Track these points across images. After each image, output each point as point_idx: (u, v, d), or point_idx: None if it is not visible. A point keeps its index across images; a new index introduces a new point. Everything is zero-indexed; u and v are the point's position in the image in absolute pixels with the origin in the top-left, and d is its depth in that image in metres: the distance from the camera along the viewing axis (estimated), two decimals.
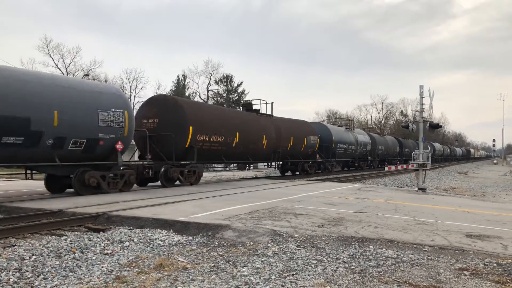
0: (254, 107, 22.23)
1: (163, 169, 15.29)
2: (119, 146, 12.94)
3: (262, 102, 22.64)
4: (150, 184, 16.30)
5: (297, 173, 25.97)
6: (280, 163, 25.14)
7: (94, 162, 12.54)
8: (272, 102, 22.87)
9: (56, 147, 11.34)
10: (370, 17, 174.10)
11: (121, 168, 13.47)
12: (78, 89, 12.17)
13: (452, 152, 76.94)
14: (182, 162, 16.03)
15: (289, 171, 26.71)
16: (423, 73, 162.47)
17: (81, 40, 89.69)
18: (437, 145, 64.77)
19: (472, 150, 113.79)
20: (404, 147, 42.17)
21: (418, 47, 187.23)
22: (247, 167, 28.48)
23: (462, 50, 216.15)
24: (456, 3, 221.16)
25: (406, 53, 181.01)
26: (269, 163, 24.33)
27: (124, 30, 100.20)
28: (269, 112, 22.77)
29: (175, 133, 15.47)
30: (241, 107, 22.50)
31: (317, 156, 26.80)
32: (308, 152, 25.76)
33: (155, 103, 16.38)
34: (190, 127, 15.99)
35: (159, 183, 15.80)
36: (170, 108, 15.94)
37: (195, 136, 16.24)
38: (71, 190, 12.80)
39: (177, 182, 16.27)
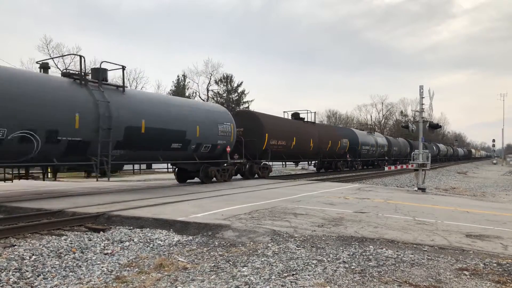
0: (302, 116, 27.81)
1: (248, 165, 21.35)
2: (228, 149, 18.14)
3: (308, 112, 27.92)
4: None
5: (330, 170, 31.72)
6: (317, 161, 30.36)
7: (215, 160, 17.95)
8: (315, 112, 28.45)
9: (195, 150, 16.47)
10: (370, 17, 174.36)
11: (225, 164, 18.74)
12: (207, 110, 17.77)
13: (455, 153, 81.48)
14: (261, 161, 22.25)
15: (323, 169, 32.07)
16: (423, 73, 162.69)
17: (81, 40, 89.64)
18: (442, 146, 70.21)
19: (473, 151, 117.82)
20: (414, 148, 49.02)
21: (418, 47, 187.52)
22: (297, 165, 34.30)
23: (462, 50, 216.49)
24: (456, 3, 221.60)
25: (406, 53, 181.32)
26: (314, 162, 30.61)
27: (124, 30, 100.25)
28: (310, 119, 28.02)
29: (257, 138, 21.09)
30: (290, 116, 27.55)
31: (347, 156, 32.19)
32: (341, 152, 31.36)
33: (240, 115, 21.84)
34: (266, 134, 21.63)
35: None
36: (252, 120, 21.70)
37: (269, 141, 21.91)
38: (191, 180, 18.54)
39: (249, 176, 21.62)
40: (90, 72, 13.80)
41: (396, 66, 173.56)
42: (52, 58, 39.07)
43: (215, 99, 58.33)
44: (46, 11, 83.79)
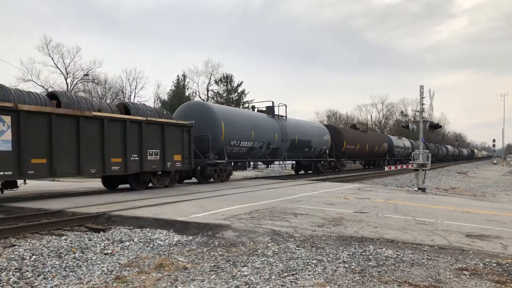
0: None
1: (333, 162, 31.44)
2: (327, 151, 28.74)
3: (364, 122, 35.65)
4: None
5: (372, 166, 40.56)
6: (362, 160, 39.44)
7: (321, 158, 28.45)
8: (367, 123, 34.28)
9: (313, 152, 27.20)
10: (370, 17, 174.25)
11: (322, 162, 29.13)
12: (317, 127, 29.05)
13: (460, 153, 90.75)
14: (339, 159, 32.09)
15: (367, 165, 40.83)
16: (423, 73, 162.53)
17: (81, 40, 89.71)
18: (450, 147, 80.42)
19: (476, 151, 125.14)
20: (430, 149, 55.57)
21: (418, 47, 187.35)
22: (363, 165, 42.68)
23: (462, 50, 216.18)
24: (456, 3, 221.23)
25: (406, 53, 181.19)
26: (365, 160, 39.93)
27: (124, 30, 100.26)
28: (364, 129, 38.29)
29: (337, 144, 30.71)
30: (350, 127, 37.81)
31: (386, 156, 42.36)
32: (382, 153, 41.17)
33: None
34: (345, 142, 31.90)
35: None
36: (334, 130, 31.47)
37: (346, 145, 32.21)
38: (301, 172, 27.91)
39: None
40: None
41: (396, 66, 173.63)
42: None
43: (215, 99, 58.33)
44: (46, 11, 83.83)
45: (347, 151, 31.92)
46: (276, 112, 23.75)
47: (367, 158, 38.89)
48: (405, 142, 49.42)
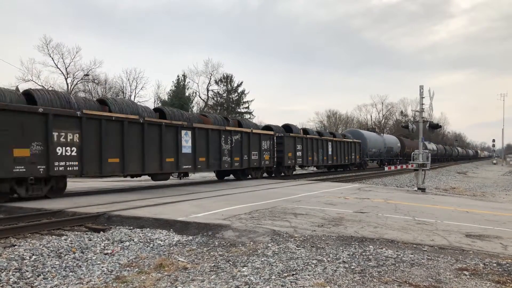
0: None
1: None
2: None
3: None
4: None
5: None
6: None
7: (392, 158, 43.82)
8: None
9: (377, 155, 40.67)
10: (368, 16, 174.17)
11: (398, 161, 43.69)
12: (388, 138, 43.89)
13: (467, 153, 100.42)
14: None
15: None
16: (422, 73, 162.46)
17: (81, 40, 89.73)
18: (460, 149, 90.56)
19: (479, 151, 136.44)
20: (446, 151, 63.00)
21: (417, 47, 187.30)
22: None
23: (461, 50, 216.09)
24: (454, 3, 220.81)
25: (405, 52, 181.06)
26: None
27: (124, 30, 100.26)
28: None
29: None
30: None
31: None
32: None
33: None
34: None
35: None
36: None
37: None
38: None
39: None
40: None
41: (395, 66, 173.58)
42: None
43: (215, 99, 58.33)
44: (44, 11, 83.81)
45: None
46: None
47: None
48: (428, 145, 53.97)
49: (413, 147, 42.01)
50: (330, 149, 29.21)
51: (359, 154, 33.85)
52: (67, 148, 11.54)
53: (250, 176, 20.51)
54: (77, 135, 11.79)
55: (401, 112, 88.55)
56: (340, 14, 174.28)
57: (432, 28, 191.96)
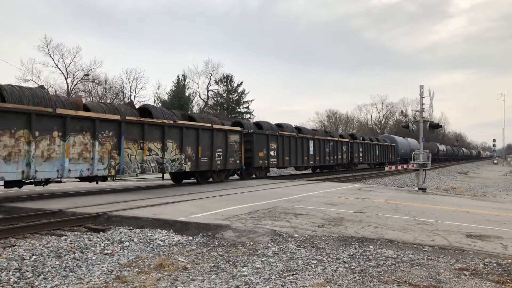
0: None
1: None
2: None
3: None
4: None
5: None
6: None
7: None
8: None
9: (405, 155, 46.53)
10: (368, 16, 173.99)
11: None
12: (411, 142, 50.82)
13: (471, 153, 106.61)
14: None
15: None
16: (423, 73, 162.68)
17: (81, 40, 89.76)
18: (465, 150, 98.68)
19: (481, 152, 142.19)
20: (453, 151, 69.53)
21: (416, 47, 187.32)
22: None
23: (461, 50, 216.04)
24: (453, 3, 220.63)
25: (405, 52, 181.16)
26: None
27: (124, 30, 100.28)
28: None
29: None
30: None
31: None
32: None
33: None
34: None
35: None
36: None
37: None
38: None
39: None
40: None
41: (395, 66, 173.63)
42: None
43: (215, 99, 58.33)
44: (46, 11, 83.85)
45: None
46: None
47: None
48: (443, 147, 61.94)
49: (429, 148, 53.04)
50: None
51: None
52: None
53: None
54: None
55: (401, 112, 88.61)
56: (340, 14, 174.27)
57: (432, 28, 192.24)
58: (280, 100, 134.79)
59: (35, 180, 11.29)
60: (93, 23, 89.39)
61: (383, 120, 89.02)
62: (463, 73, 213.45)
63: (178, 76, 55.53)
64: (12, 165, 10.20)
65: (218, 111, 54.89)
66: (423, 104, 18.74)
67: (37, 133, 10.72)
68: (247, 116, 57.06)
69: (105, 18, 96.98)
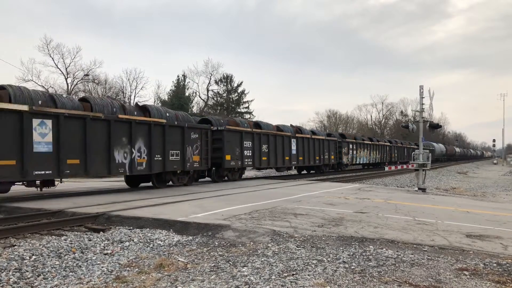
0: None
1: None
2: None
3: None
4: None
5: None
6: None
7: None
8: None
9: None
10: (366, 16, 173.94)
11: None
12: (440, 146, 66.73)
13: (476, 154, 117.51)
14: None
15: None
16: (422, 73, 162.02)
17: (81, 40, 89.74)
18: (472, 151, 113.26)
19: (484, 152, 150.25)
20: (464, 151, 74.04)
21: (415, 47, 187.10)
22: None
23: (460, 50, 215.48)
24: (451, 3, 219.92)
25: (404, 52, 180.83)
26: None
27: (124, 30, 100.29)
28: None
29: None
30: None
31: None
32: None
33: None
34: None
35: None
36: None
37: None
38: None
39: None
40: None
41: (394, 66, 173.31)
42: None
43: (215, 99, 58.34)
44: (46, 11, 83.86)
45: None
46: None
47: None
48: (456, 148, 70.65)
49: (450, 150, 70.81)
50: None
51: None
52: None
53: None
54: None
55: (401, 112, 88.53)
56: (337, 14, 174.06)
57: (430, 28, 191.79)
58: (280, 100, 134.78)
59: None
60: (93, 23, 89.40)
61: (383, 120, 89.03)
62: (462, 73, 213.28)
63: (178, 76, 55.51)
64: None
65: (218, 111, 54.89)
66: (423, 104, 18.75)
67: None
68: (247, 116, 57.04)
69: (104, 18, 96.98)
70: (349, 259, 5.53)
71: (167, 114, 15.26)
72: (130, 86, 50.89)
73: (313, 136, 26.62)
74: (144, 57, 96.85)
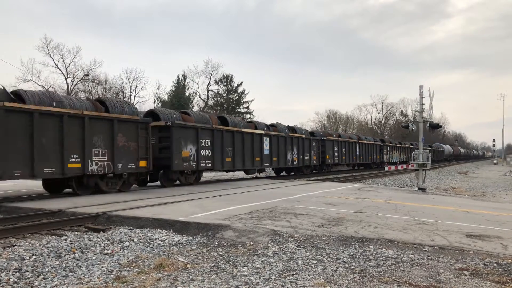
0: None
1: None
2: None
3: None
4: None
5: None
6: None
7: None
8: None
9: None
10: (367, 17, 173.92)
11: None
12: (448, 148, 77.92)
13: (478, 154, 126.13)
14: None
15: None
16: (422, 73, 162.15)
17: (81, 40, 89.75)
18: (475, 151, 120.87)
19: (485, 152, 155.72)
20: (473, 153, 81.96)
21: (415, 47, 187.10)
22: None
23: (460, 50, 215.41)
24: (451, 3, 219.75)
25: (404, 52, 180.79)
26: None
27: (124, 30, 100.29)
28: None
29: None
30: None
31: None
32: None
33: None
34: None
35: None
36: None
37: None
38: None
39: None
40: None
41: (394, 66, 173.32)
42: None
43: (215, 99, 58.33)
44: (46, 11, 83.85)
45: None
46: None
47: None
48: (460, 149, 75.88)
49: (456, 151, 79.18)
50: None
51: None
52: None
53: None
54: None
55: (401, 112, 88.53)
56: (337, 14, 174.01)
57: (430, 28, 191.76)
58: (280, 100, 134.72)
59: None
60: (93, 23, 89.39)
61: (383, 120, 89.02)
62: (462, 73, 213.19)
63: (178, 76, 55.50)
64: None
65: (218, 111, 54.88)
66: (423, 104, 18.75)
67: None
68: (247, 116, 57.04)
69: (104, 18, 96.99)
70: (349, 259, 5.53)
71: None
72: (130, 86, 50.92)
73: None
74: (144, 57, 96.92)
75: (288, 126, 25.46)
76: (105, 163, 12.69)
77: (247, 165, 19.92)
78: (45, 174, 11.26)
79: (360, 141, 35.15)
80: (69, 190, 12.73)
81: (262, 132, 21.32)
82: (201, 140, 16.70)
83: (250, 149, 20.04)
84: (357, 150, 34.27)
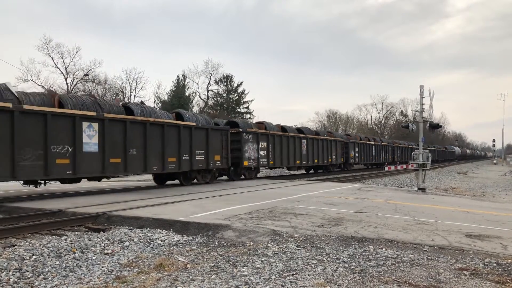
0: None
1: None
2: None
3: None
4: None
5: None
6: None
7: None
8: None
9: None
10: (366, 16, 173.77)
11: None
12: (458, 149, 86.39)
13: (480, 154, 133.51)
14: None
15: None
16: (421, 73, 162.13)
17: (81, 40, 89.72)
18: (477, 151, 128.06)
19: (487, 152, 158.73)
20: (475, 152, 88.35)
21: (414, 47, 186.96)
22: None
23: (459, 50, 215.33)
24: (450, 2, 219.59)
25: (404, 52, 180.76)
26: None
27: (124, 30, 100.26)
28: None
29: None
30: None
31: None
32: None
33: None
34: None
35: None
36: None
37: None
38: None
39: None
40: None
41: (394, 66, 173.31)
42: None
43: (215, 99, 58.33)
44: (45, 11, 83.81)
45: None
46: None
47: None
48: (466, 150, 76.47)
49: (463, 151, 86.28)
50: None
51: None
52: None
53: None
54: None
55: (401, 112, 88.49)
56: (336, 14, 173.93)
57: (429, 28, 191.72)
58: (280, 100, 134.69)
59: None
60: (92, 23, 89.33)
61: (383, 120, 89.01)
62: (461, 73, 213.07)
63: (178, 76, 55.48)
64: None
65: (218, 111, 54.88)
66: (423, 104, 18.75)
67: None
68: (247, 116, 57.06)
69: (104, 18, 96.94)
70: (349, 259, 5.53)
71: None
72: (130, 86, 50.94)
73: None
74: (143, 57, 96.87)
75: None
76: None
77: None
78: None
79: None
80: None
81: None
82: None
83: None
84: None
